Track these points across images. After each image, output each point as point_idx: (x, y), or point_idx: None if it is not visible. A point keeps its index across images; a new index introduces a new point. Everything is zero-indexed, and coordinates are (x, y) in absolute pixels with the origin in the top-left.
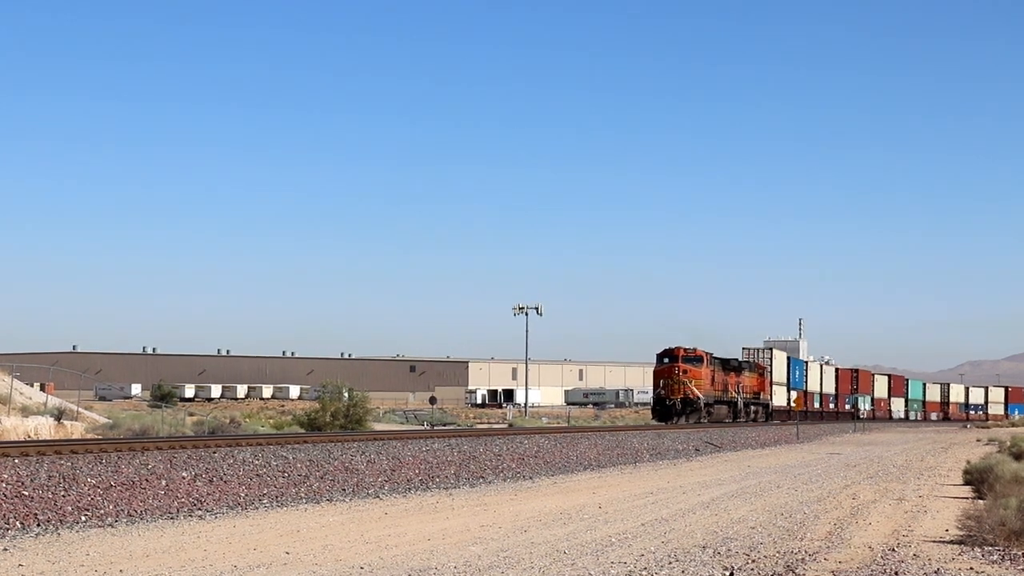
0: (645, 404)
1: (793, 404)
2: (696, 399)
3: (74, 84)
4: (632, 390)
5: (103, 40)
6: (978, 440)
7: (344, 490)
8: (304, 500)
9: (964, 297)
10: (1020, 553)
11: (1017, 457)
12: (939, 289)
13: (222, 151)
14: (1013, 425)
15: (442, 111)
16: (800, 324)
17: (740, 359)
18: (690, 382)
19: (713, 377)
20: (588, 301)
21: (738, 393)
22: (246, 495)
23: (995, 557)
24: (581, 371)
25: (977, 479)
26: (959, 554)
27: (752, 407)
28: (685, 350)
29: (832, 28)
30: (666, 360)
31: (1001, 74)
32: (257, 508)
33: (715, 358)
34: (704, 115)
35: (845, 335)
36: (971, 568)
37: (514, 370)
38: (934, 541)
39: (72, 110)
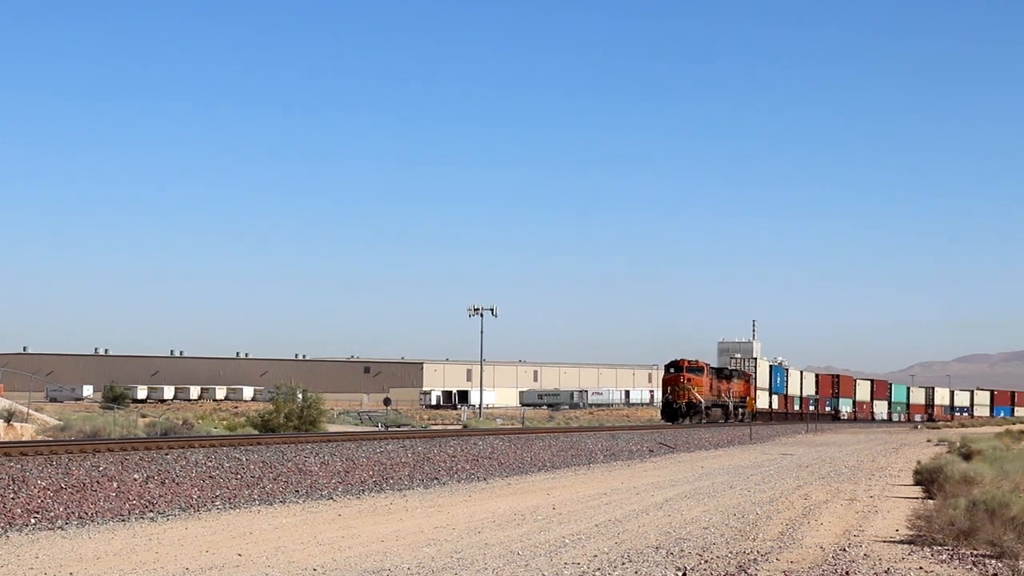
0: (600, 405)
1: (745, 406)
2: (698, 403)
3: (39, 83)
4: (587, 391)
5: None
6: (928, 441)
7: (298, 491)
8: (257, 502)
9: (914, 300)
10: (968, 553)
11: (966, 457)
12: (889, 291)
13: (175, 151)
14: (962, 426)
15: (399, 112)
16: (754, 326)
17: (730, 367)
18: (693, 388)
19: (711, 384)
20: (543, 302)
21: (729, 397)
22: (199, 497)
23: (944, 557)
24: (536, 372)
25: (927, 479)
26: (909, 554)
27: (740, 409)
28: (689, 362)
29: (792, 27)
30: (672, 370)
31: (958, 74)
32: (210, 510)
33: (712, 368)
34: (658, 116)
35: (798, 337)
36: (920, 568)
37: (469, 371)
38: (885, 541)
39: (28, 108)
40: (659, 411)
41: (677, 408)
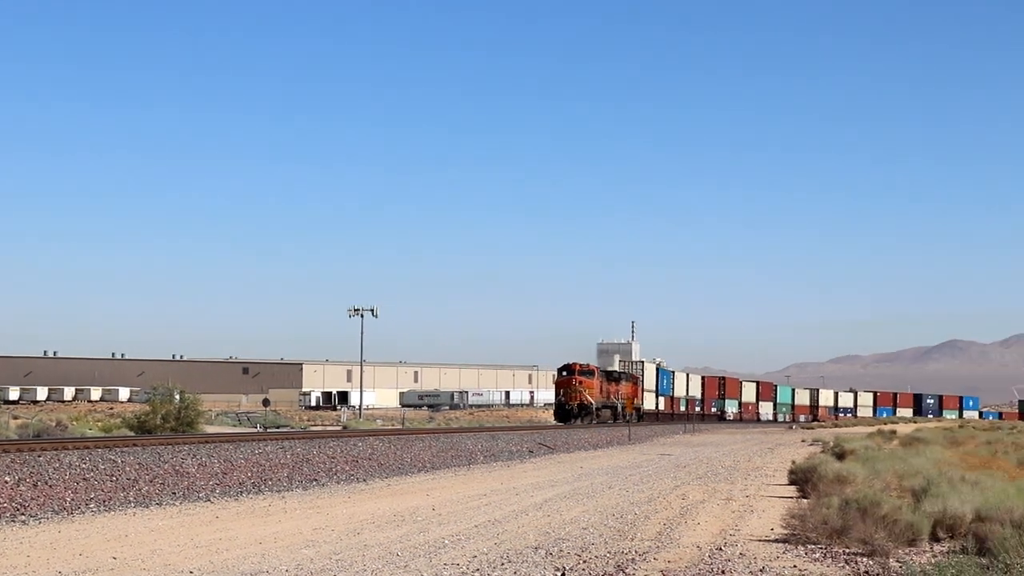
0: (480, 406)
1: (614, 406)
2: (589, 404)
3: None
4: (467, 392)
5: None
6: (803, 441)
7: (174, 494)
8: (133, 504)
9: (788, 302)
10: (841, 551)
11: (839, 457)
12: (765, 294)
13: (49, 148)
14: (835, 426)
15: (275, 113)
16: (633, 327)
17: (619, 370)
18: (585, 391)
19: (601, 387)
20: (424, 304)
21: (618, 399)
22: (72, 500)
23: (817, 555)
24: (416, 373)
25: (801, 479)
26: (783, 552)
27: (627, 410)
28: (580, 365)
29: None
30: (565, 373)
31: (836, 73)
32: (84, 513)
33: (602, 371)
34: (533, 116)
35: (676, 338)
36: (795, 566)
37: (349, 372)
38: (760, 540)
39: None
40: (542, 411)
41: (569, 409)
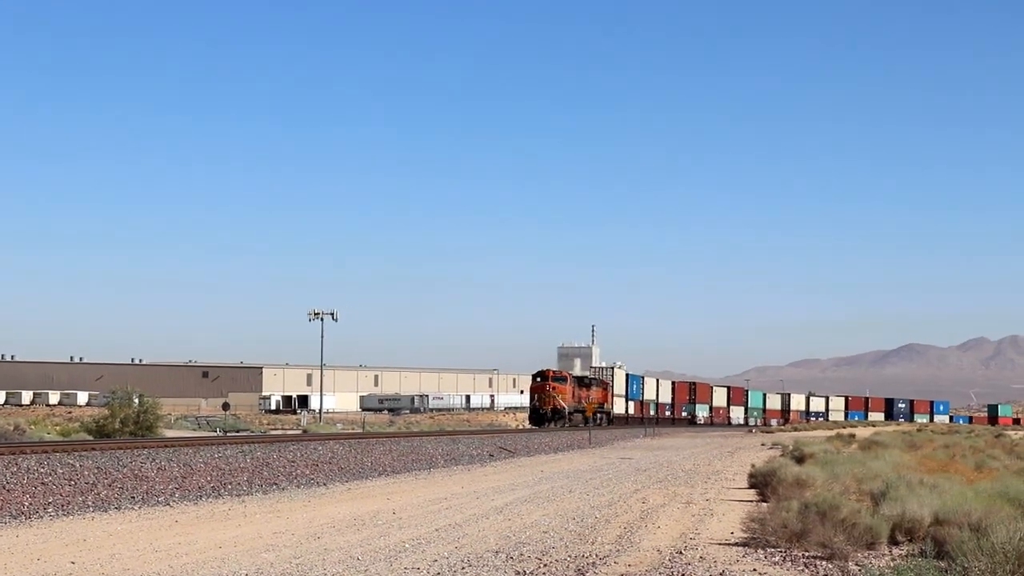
0: (440, 410)
1: (604, 412)
2: (562, 409)
3: None
4: (428, 396)
5: None
6: (763, 444)
7: (133, 498)
8: (92, 508)
9: (749, 306)
10: (801, 554)
11: (799, 461)
12: (725, 298)
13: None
14: (795, 429)
15: (237, 116)
16: (593, 331)
17: (590, 376)
18: (558, 396)
19: (573, 392)
20: (384, 307)
21: (588, 403)
22: (30, 504)
23: (777, 558)
24: (377, 377)
25: (761, 482)
26: (743, 556)
27: (598, 414)
28: (554, 372)
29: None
30: (539, 379)
31: (805, 76)
32: (42, 517)
33: (574, 376)
34: (489, 122)
35: (635, 341)
36: (754, 569)
37: (309, 376)
38: (720, 543)
39: None
40: (503, 415)
41: (543, 414)
